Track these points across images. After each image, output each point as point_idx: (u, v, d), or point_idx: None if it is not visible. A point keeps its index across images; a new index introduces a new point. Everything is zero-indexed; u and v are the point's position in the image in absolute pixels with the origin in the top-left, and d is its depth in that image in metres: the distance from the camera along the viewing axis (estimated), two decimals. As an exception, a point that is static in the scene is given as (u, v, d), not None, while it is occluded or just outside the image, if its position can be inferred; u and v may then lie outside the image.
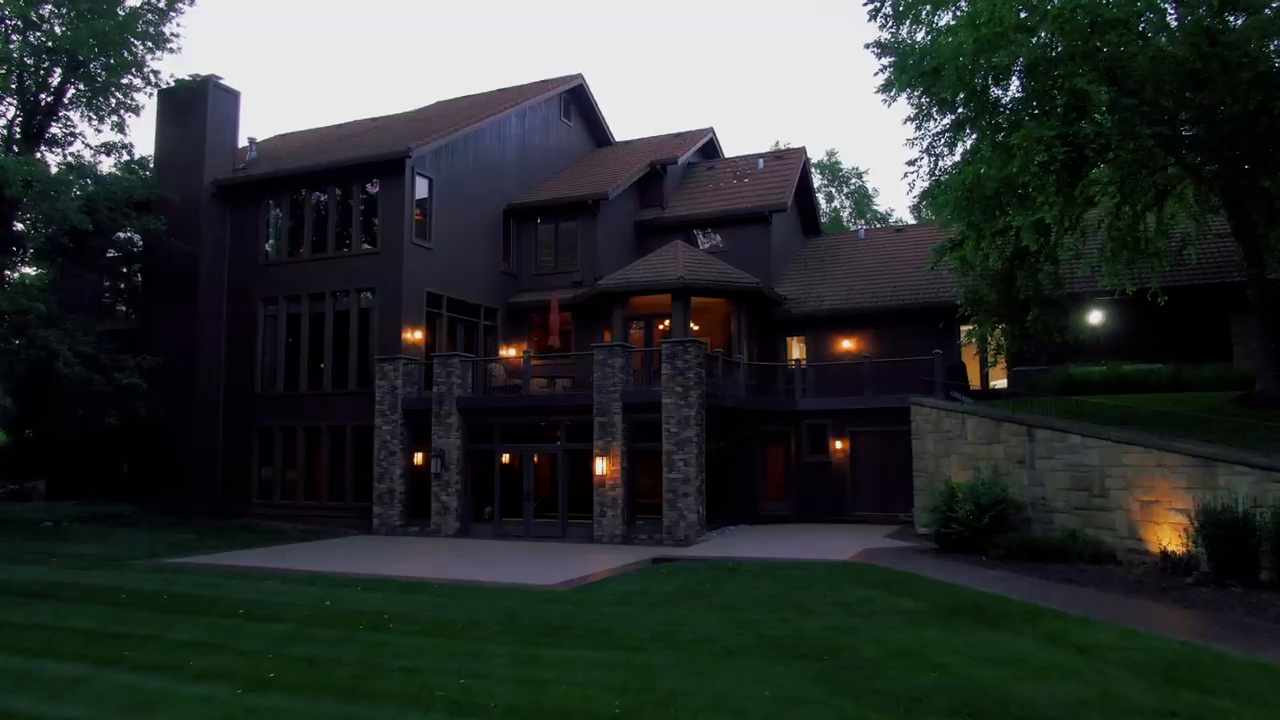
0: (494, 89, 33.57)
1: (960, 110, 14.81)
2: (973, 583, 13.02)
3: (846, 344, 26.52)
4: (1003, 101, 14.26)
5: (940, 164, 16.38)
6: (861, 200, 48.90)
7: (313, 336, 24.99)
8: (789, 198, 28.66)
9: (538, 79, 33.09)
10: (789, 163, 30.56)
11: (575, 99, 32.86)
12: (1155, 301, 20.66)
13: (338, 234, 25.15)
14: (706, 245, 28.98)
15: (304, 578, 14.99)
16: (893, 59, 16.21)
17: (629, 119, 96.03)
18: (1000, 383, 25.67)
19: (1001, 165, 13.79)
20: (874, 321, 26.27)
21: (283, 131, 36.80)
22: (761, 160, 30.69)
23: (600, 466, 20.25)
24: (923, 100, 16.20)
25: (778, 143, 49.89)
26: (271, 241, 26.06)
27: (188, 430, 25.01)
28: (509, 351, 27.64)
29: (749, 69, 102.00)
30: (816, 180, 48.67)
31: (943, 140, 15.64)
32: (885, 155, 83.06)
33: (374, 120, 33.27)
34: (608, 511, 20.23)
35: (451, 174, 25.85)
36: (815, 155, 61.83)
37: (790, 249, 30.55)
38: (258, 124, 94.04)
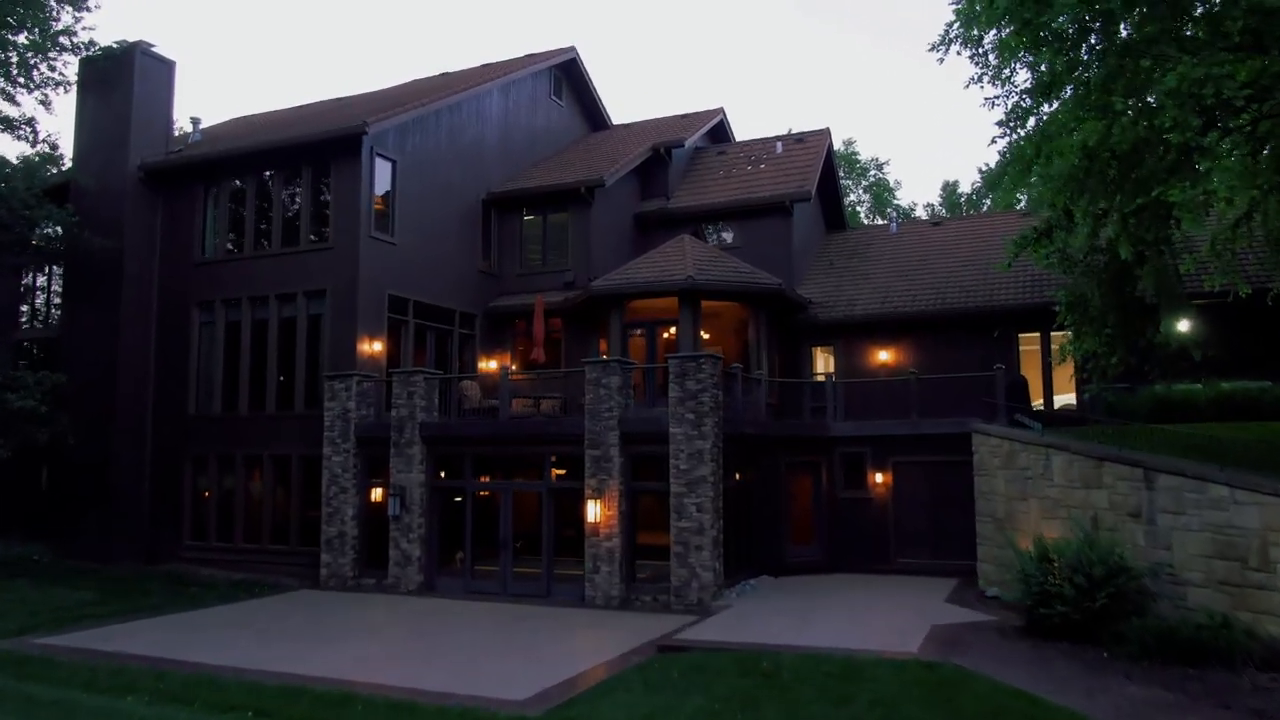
0: (478, 65, 29.72)
1: (1069, 55, 10.93)
2: (1120, 714, 9.17)
3: (883, 355, 22.64)
4: (1135, 39, 10.40)
5: (1030, 128, 12.43)
6: (881, 194, 45.06)
7: (255, 348, 21.13)
8: (813, 185, 24.80)
9: (527, 53, 29.23)
10: (811, 146, 26.69)
11: (567, 75, 28.99)
12: (1263, 305, 16.72)
13: (284, 227, 21.27)
14: (717, 242, 25.13)
15: (190, 680, 11.14)
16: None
17: (628, 104, 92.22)
18: (1065, 397, 21.82)
19: (1135, 123, 9.97)
20: (914, 329, 22.39)
21: (246, 113, 32.98)
22: (780, 144, 26.83)
23: (593, 512, 16.39)
24: (1016, 40, 12.26)
25: (790, 129, 46.04)
26: (208, 235, 22.18)
27: (109, 457, 21.14)
28: (489, 364, 23.79)
29: (755, 55, 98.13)
30: (832, 172, 44.90)
31: (1042, 97, 11.73)
32: (905, 146, 79.29)
33: (340, 100, 29.40)
34: (602, 567, 16.37)
35: (420, 156, 21.99)
36: (827, 127, 57.99)
37: (812, 245, 26.69)
38: (227, 108, 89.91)
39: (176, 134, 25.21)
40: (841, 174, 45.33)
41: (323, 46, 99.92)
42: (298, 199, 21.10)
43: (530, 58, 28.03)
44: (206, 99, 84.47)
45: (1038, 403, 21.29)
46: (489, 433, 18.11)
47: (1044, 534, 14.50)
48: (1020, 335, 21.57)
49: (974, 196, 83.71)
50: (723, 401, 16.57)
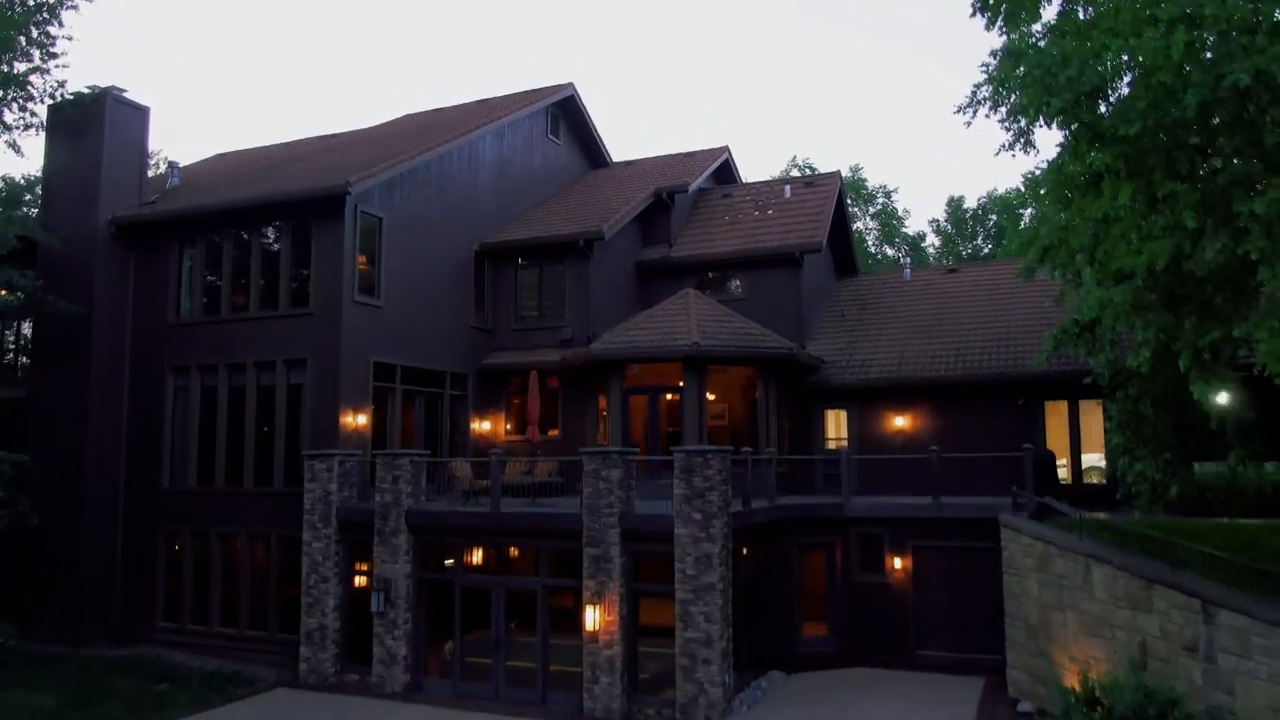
0: (472, 101, 28.45)
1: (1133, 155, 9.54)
2: None
3: (899, 421, 21.37)
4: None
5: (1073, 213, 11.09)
6: (889, 222, 43.76)
7: (232, 418, 19.86)
8: (824, 235, 23.51)
9: (523, 89, 27.94)
10: (821, 191, 25.40)
11: (565, 112, 27.70)
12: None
13: (263, 289, 19.98)
14: (723, 293, 23.86)
15: None
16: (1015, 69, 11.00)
17: (629, 142, 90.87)
18: (1093, 457, 20.57)
19: (1210, 246, 8.68)
20: (933, 394, 21.12)
21: (232, 147, 31.74)
22: (789, 187, 25.54)
23: (591, 619, 15.11)
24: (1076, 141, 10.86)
25: (795, 159, 44.83)
26: (184, 296, 20.89)
27: (78, 532, 19.88)
28: (483, 425, 22.56)
29: (756, 82, 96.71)
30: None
31: (1091, 188, 10.38)
32: (909, 171, 78.11)
33: (325, 139, 28.15)
34: (601, 677, 15.09)
35: (408, 210, 20.72)
36: (838, 170, 56.65)
37: (823, 292, 25.43)
38: (210, 143, 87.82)
39: (155, 173, 24.00)
40: (850, 200, 44.17)
41: (314, 74, 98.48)
42: (277, 259, 19.81)
43: (527, 95, 26.74)
44: (196, 125, 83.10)
45: (1064, 471, 20.10)
46: (480, 524, 16.82)
47: (1085, 655, 13.26)
48: (1047, 403, 20.33)
49: (979, 213, 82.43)
50: (731, 497, 15.31)
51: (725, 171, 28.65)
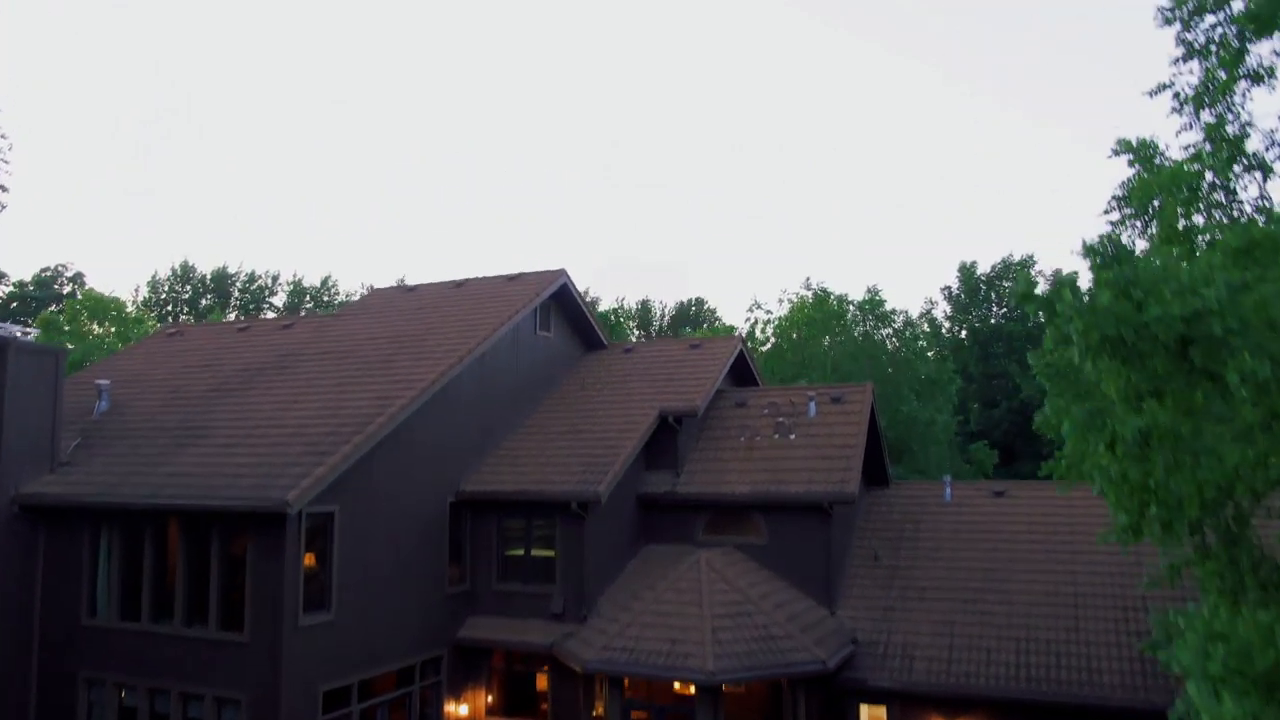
0: (448, 283, 25.17)
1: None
2: None
3: (951, 731, 18.09)
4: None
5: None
6: (913, 352, 40.51)
7: (156, 755, 16.53)
8: (856, 476, 20.21)
9: (506, 274, 24.67)
10: (851, 409, 22.10)
11: (557, 301, 24.39)
12: None
13: (190, 598, 16.63)
14: (737, 537, 20.61)
15: None
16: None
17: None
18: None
19: None
20: (992, 710, 17.73)
21: (178, 324, 28.45)
22: (813, 402, 22.20)
23: None
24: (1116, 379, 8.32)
25: (810, 283, 41.53)
26: (100, 591, 17.54)
27: None
28: (460, 709, 19.25)
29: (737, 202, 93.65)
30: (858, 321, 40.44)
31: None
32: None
33: (283, 322, 24.92)
34: None
35: (370, 483, 17.43)
36: (854, 293, 53.46)
37: (853, 512, 22.05)
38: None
39: (84, 381, 20.72)
40: (870, 319, 40.94)
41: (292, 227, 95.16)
42: (208, 564, 16.46)
43: (514, 287, 23.46)
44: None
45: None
46: None
47: None
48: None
49: (993, 278, 79.06)
50: None
51: (742, 368, 25.37)
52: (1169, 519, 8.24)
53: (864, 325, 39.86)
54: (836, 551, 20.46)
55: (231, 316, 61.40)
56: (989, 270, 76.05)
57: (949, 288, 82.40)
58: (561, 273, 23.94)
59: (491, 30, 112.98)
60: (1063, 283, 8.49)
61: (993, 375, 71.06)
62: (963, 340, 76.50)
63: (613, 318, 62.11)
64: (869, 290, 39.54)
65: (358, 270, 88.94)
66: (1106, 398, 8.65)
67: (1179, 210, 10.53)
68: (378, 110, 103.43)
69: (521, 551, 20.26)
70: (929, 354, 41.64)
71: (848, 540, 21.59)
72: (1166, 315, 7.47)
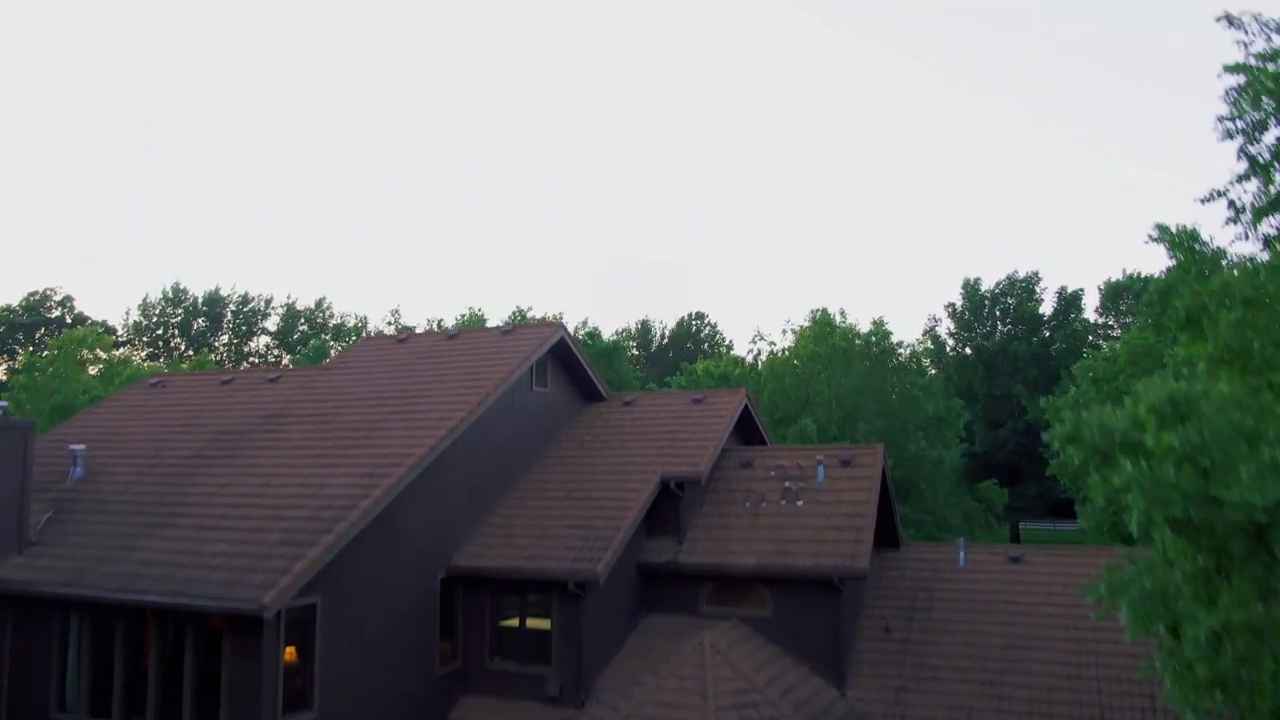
0: (440, 333, 24.23)
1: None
2: None
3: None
4: None
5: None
6: (915, 385, 39.57)
7: None
8: (866, 550, 19.27)
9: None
10: (862, 474, 21.17)
11: (555, 355, 23.44)
12: None
13: (161, 696, 15.66)
14: (742, 609, 19.68)
15: None
16: None
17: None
18: None
19: None
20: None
21: (158, 374, 27.50)
22: (821, 467, 21.26)
23: None
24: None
25: (815, 314, 40.61)
26: (70, 682, 16.58)
27: None
28: (450, 798, 18.26)
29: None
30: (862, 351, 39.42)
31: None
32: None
33: (269, 375, 23.99)
34: None
35: (355, 569, 16.48)
36: (856, 299, 52.26)
37: (864, 584, 21.09)
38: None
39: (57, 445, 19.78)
40: (874, 349, 39.98)
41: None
42: (181, 662, 15.49)
43: (509, 343, 22.50)
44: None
45: None
46: None
47: None
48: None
49: (998, 294, 78.11)
50: None
51: (748, 423, 24.42)
52: (1242, 716, 7.32)
53: (869, 358, 38.85)
54: (846, 626, 19.53)
55: (224, 339, 60.44)
56: (993, 287, 75.09)
57: (953, 304, 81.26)
58: (559, 326, 23.00)
59: (491, 31, 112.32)
60: (1118, 447, 7.55)
61: (998, 395, 69.99)
62: (967, 357, 75.53)
63: (612, 338, 61.23)
64: (875, 322, 38.60)
65: (357, 270, 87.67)
66: (1166, 564, 7.72)
67: (1232, 327, 9.57)
68: (377, 110, 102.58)
69: (516, 626, 19.33)
70: (935, 387, 40.66)
71: (857, 609, 20.67)
72: (1244, 503, 6.54)
